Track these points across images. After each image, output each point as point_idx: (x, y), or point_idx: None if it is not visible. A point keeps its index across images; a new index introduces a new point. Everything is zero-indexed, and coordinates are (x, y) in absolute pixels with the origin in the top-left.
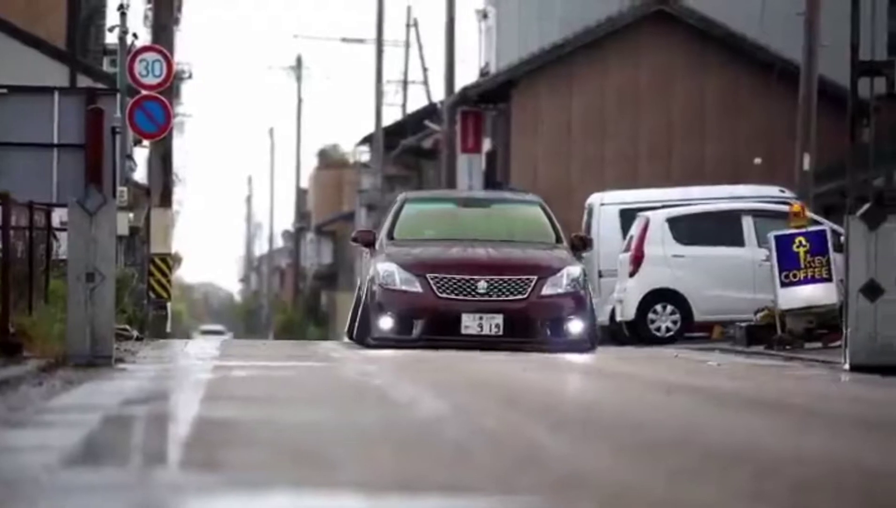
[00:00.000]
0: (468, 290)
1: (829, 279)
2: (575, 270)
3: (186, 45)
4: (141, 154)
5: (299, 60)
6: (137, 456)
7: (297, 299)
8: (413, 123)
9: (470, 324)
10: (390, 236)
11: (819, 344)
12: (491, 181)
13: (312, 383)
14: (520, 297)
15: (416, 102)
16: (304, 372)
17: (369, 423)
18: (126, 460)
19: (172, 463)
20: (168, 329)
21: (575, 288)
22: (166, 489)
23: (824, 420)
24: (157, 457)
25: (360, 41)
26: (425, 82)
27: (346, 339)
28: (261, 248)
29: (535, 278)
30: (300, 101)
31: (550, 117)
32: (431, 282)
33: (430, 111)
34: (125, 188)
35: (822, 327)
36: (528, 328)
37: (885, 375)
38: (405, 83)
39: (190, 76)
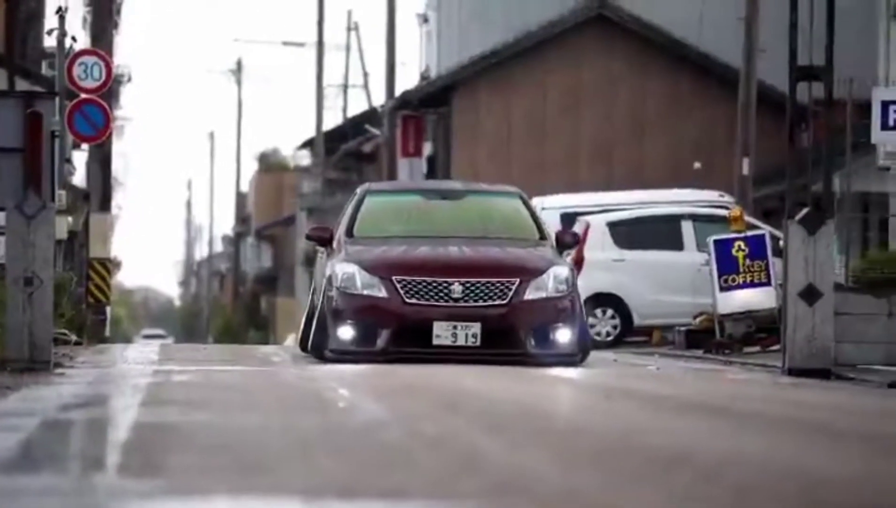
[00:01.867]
0: (440, 294)
1: (768, 284)
2: (562, 270)
3: (126, 49)
4: (80, 158)
5: (239, 64)
6: (76, 461)
7: (237, 303)
8: (354, 127)
9: (442, 334)
10: (350, 233)
11: (758, 348)
12: None
13: (252, 387)
14: (500, 302)
15: (357, 106)
16: (244, 377)
17: (309, 427)
18: (64, 465)
19: (111, 468)
20: (107, 334)
21: (563, 292)
22: (105, 494)
23: (763, 424)
24: (96, 462)
25: (301, 45)
26: (366, 87)
27: (298, 351)
28: (201, 252)
29: (518, 280)
30: (240, 104)
31: (491, 121)
32: (398, 285)
33: (371, 115)
34: (64, 192)
35: (760, 331)
36: (509, 339)
37: (822, 379)
38: (345, 87)
39: (129, 80)
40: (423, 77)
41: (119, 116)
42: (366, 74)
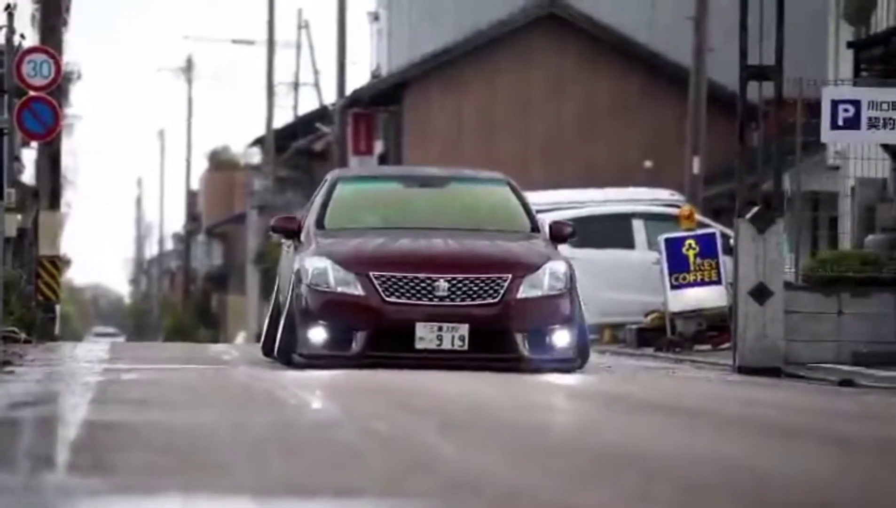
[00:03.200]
0: (424, 292)
1: (719, 282)
2: (559, 266)
3: (75, 47)
4: (29, 156)
5: (189, 62)
6: (24, 460)
7: (188, 301)
8: (304, 125)
9: (426, 336)
10: (320, 224)
11: (708, 346)
12: None
13: (203, 386)
14: (490, 301)
15: (308, 104)
16: (195, 375)
17: (260, 426)
18: (13, 463)
19: (60, 467)
20: (57, 332)
21: (560, 289)
22: (54, 492)
23: (714, 422)
24: (45, 461)
25: (251, 43)
26: (317, 85)
27: (259, 355)
28: (151, 250)
29: (510, 276)
30: (190, 103)
31: (442, 120)
32: (376, 282)
33: (322, 114)
34: (13, 190)
35: (711, 329)
36: (500, 342)
37: (772, 377)
38: (296, 85)
39: (79, 77)
40: (374, 75)
41: (69, 114)
42: (316, 72)
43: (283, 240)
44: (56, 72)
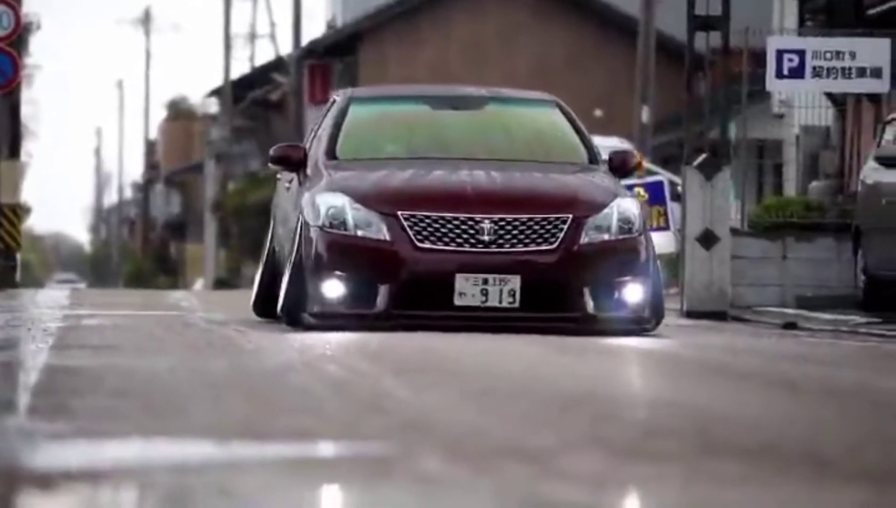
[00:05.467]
0: (465, 236)
1: (667, 228)
2: (629, 204)
3: None
4: None
5: (147, 14)
6: None
7: (147, 249)
8: (261, 76)
9: (468, 291)
10: (331, 153)
11: None
12: None
13: (161, 331)
14: (547, 247)
15: (265, 55)
16: (154, 321)
17: (218, 371)
18: None
19: (22, 411)
20: (18, 279)
21: (631, 233)
22: (16, 435)
23: (660, 365)
24: (6, 405)
25: None
26: (273, 36)
27: (253, 316)
28: (110, 198)
29: (570, 217)
30: (148, 54)
31: (397, 70)
32: (405, 224)
33: (278, 65)
34: None
35: None
36: (559, 298)
37: (719, 321)
38: (253, 37)
39: (38, 28)
40: (330, 27)
41: (28, 65)
42: (273, 24)
43: (281, 174)
44: (16, 22)
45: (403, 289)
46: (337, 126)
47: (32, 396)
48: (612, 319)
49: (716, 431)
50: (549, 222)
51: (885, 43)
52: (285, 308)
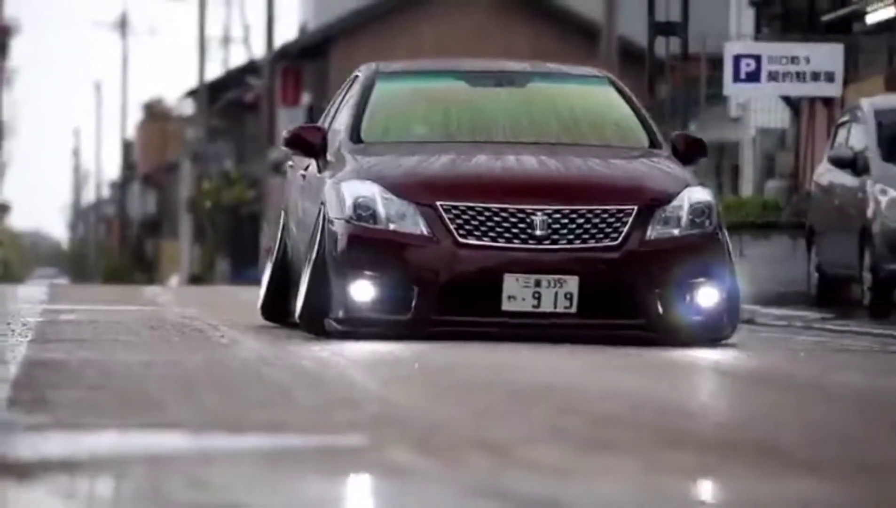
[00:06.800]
0: (514, 231)
1: None
2: (701, 194)
3: (15, 1)
4: None
5: (124, 18)
6: None
7: (124, 246)
8: (235, 78)
9: (518, 294)
10: (356, 136)
11: None
12: None
13: (139, 326)
14: (609, 244)
15: (239, 58)
16: (131, 316)
17: (194, 365)
18: None
19: (1, 403)
20: None
21: (705, 227)
22: None
23: (618, 361)
24: None
25: None
26: (246, 40)
27: (261, 319)
28: (88, 197)
29: (634, 208)
30: (125, 57)
31: None
32: (445, 216)
33: (252, 67)
34: None
35: None
36: (622, 302)
37: None
38: (227, 40)
39: (18, 31)
40: (302, 30)
41: (8, 67)
42: (246, 28)
43: (294, 161)
44: None
45: (443, 292)
46: (361, 105)
47: (12, 389)
48: (683, 326)
49: (672, 421)
50: (612, 215)
51: (838, 48)
52: (305, 313)
